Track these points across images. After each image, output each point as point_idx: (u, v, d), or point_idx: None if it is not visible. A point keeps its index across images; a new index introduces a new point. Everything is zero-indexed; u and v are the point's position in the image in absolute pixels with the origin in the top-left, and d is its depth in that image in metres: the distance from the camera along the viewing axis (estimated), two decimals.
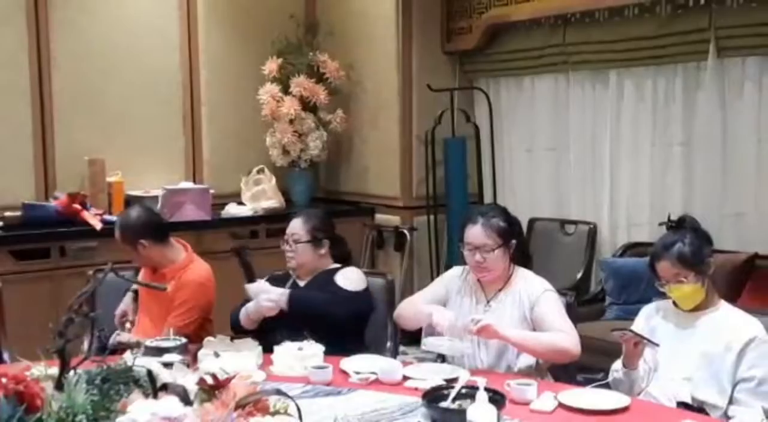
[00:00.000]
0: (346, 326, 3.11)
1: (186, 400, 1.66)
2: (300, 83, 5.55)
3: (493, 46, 5.40)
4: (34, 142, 5.12)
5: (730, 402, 2.57)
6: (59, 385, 1.75)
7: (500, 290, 2.93)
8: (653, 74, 4.66)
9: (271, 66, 5.61)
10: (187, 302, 3.26)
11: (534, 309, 2.85)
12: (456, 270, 3.08)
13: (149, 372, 1.70)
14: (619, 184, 4.91)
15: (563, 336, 2.76)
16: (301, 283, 3.30)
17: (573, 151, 5.12)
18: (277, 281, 3.29)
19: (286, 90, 5.58)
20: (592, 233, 4.98)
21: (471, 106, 5.62)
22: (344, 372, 2.72)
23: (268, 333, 3.09)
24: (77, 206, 4.87)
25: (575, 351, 2.75)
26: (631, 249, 4.72)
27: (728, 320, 2.65)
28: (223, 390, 1.71)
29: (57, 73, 5.15)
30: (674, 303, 2.74)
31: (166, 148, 5.57)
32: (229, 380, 1.75)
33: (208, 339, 2.88)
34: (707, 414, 2.52)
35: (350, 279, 3.25)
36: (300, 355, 2.76)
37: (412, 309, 3.01)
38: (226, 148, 5.72)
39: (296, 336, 2.93)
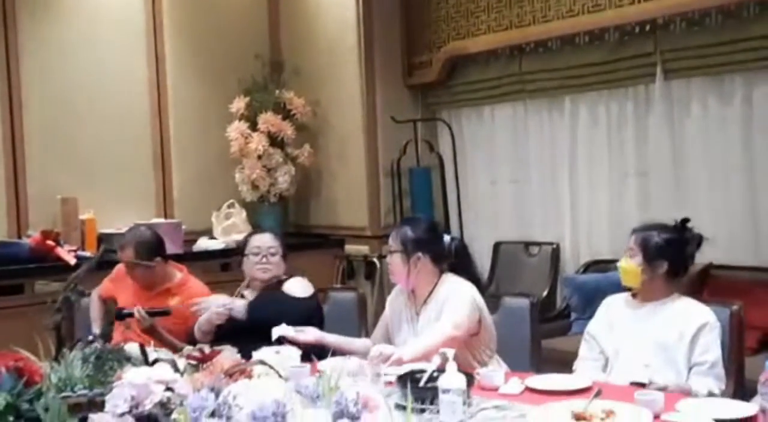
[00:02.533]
0: None
1: (176, 371, 1.77)
2: (267, 120, 5.69)
3: (452, 78, 5.61)
4: (6, 182, 5.21)
5: None
6: (56, 359, 1.85)
7: (425, 302, 3.07)
8: (605, 98, 4.89)
9: (239, 104, 5.75)
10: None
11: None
12: (395, 291, 3.25)
13: (141, 347, 1.81)
14: (579, 204, 5.09)
15: (443, 322, 2.88)
16: (248, 294, 3.41)
17: (532, 175, 5.31)
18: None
19: (253, 127, 5.71)
20: (556, 253, 5.15)
21: (434, 136, 5.81)
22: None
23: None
24: (51, 243, 4.92)
25: (457, 331, 2.86)
26: (593, 266, 4.88)
27: (681, 308, 2.80)
28: (209, 363, 1.83)
29: (28, 115, 5.26)
30: (633, 295, 2.91)
31: (138, 186, 5.67)
32: (215, 353, 1.86)
33: (188, 347, 2.97)
34: None
35: (297, 286, 3.38)
36: (278, 358, 2.85)
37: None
38: (196, 185, 5.82)
39: (253, 345, 2.96)
